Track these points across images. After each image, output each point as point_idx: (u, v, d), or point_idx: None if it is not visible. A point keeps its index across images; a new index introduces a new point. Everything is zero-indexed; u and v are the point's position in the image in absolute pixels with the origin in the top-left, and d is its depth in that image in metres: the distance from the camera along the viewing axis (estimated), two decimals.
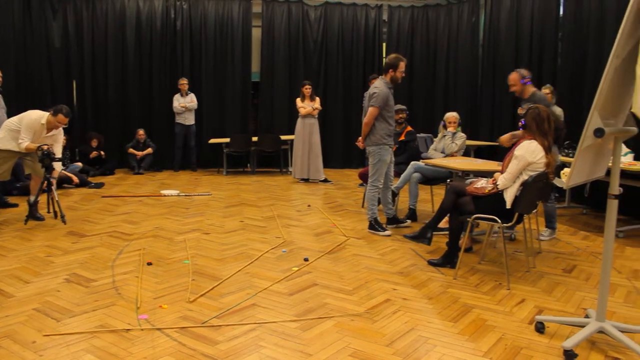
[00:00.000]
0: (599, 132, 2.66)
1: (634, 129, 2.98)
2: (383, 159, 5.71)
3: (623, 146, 4.08)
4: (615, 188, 2.96)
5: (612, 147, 2.99)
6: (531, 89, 5.32)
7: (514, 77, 5.35)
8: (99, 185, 8.74)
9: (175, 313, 3.51)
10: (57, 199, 5.96)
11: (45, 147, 5.76)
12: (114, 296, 3.81)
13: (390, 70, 5.64)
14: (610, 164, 3.09)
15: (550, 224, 5.64)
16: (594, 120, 2.67)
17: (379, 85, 5.67)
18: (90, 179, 9.08)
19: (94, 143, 10.05)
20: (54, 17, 10.33)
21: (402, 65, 5.64)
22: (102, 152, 10.10)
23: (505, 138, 5.24)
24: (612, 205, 2.98)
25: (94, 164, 9.93)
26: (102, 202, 7.39)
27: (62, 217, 5.91)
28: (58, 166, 6.09)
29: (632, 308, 3.75)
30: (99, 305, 3.62)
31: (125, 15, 10.70)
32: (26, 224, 5.82)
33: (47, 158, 5.76)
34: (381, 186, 5.83)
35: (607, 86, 2.65)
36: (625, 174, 5.53)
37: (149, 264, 4.57)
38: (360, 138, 5.91)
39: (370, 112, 5.65)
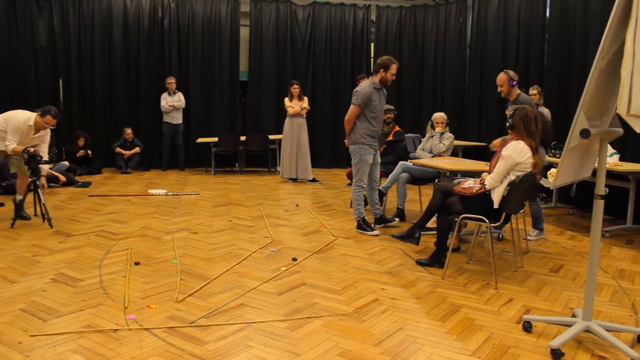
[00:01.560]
0: (584, 133, 2.68)
1: (620, 129, 3.01)
2: (363, 158, 5.71)
3: (609, 147, 4.13)
4: (601, 188, 2.99)
5: (598, 147, 3.02)
6: (517, 90, 5.37)
7: (502, 77, 5.37)
8: (86, 185, 8.68)
9: (163, 313, 3.50)
10: (44, 201, 5.88)
11: (31, 149, 5.67)
12: (101, 296, 3.78)
13: (382, 70, 5.63)
14: (596, 165, 3.12)
15: (536, 225, 5.68)
16: (580, 121, 2.69)
17: (363, 85, 5.69)
18: (77, 178, 9.02)
19: (81, 142, 9.96)
20: (39, 14, 10.20)
21: (394, 67, 5.64)
22: (89, 151, 10.02)
23: (497, 143, 5.34)
24: (598, 206, 3.00)
25: (80, 163, 9.85)
26: (89, 202, 7.34)
27: (49, 220, 5.83)
28: (45, 167, 6.03)
29: (618, 307, 3.78)
30: (86, 305, 3.59)
31: (112, 13, 10.62)
32: (13, 227, 5.74)
33: (33, 161, 5.68)
34: (365, 185, 5.84)
35: (593, 87, 2.67)
36: (611, 174, 5.59)
37: (137, 263, 4.54)
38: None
39: (350, 110, 5.68)
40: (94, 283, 4.06)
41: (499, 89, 5.42)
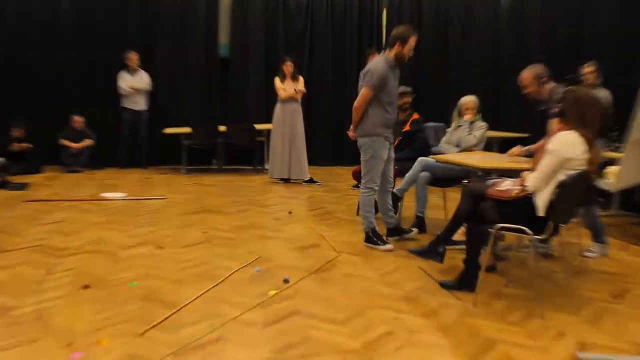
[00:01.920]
0: None
1: None
2: (377, 154, 5.68)
3: None
4: None
5: None
6: (549, 85, 5.37)
7: (529, 75, 5.40)
8: (22, 187, 8.66)
9: (118, 349, 3.45)
10: None
11: None
12: (39, 329, 3.73)
13: (398, 43, 5.56)
14: None
15: (597, 237, 5.61)
16: None
17: (377, 63, 5.62)
18: (10, 178, 8.97)
19: (18, 133, 9.94)
20: None
21: (413, 40, 5.58)
22: (28, 145, 9.98)
23: (516, 151, 5.43)
24: None
25: (16, 160, 9.78)
26: (26, 208, 7.33)
27: None
28: None
29: None
30: (19, 341, 3.54)
31: None
32: None
33: None
34: (377, 188, 5.81)
35: None
36: None
37: (86, 287, 4.51)
38: (352, 127, 5.87)
39: (362, 94, 5.61)
40: (30, 312, 4.01)
41: (526, 91, 5.44)
